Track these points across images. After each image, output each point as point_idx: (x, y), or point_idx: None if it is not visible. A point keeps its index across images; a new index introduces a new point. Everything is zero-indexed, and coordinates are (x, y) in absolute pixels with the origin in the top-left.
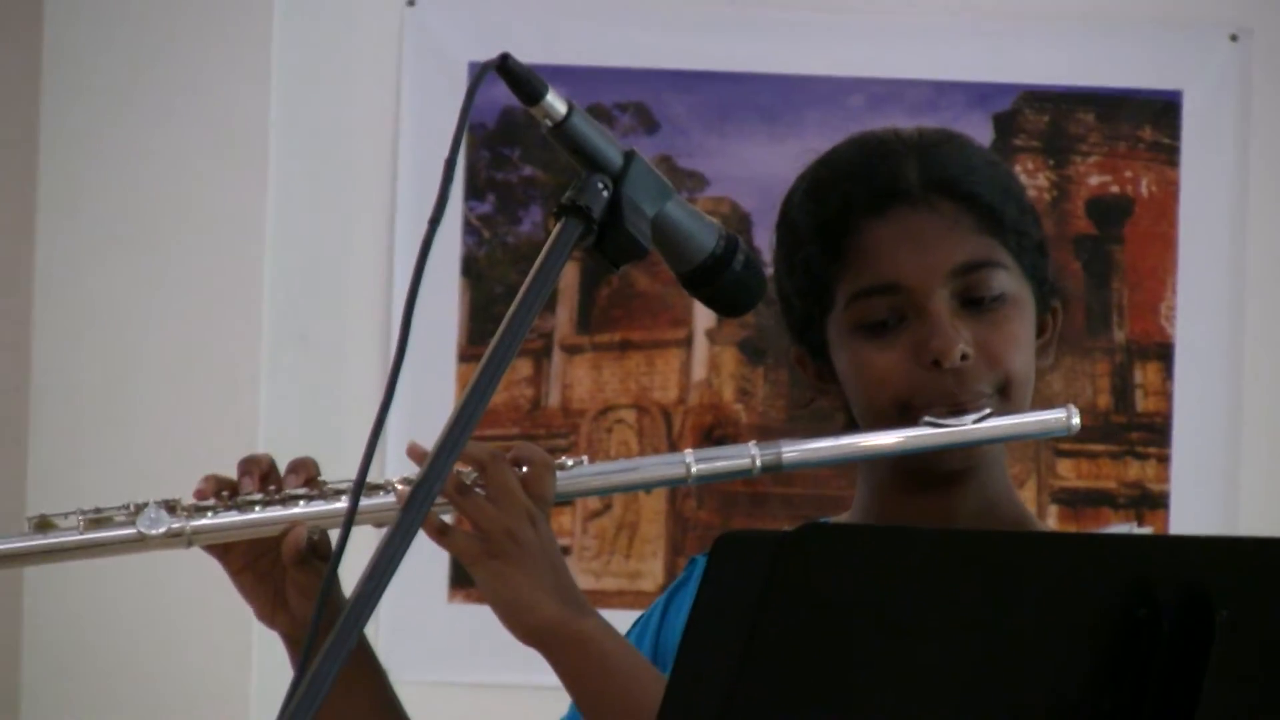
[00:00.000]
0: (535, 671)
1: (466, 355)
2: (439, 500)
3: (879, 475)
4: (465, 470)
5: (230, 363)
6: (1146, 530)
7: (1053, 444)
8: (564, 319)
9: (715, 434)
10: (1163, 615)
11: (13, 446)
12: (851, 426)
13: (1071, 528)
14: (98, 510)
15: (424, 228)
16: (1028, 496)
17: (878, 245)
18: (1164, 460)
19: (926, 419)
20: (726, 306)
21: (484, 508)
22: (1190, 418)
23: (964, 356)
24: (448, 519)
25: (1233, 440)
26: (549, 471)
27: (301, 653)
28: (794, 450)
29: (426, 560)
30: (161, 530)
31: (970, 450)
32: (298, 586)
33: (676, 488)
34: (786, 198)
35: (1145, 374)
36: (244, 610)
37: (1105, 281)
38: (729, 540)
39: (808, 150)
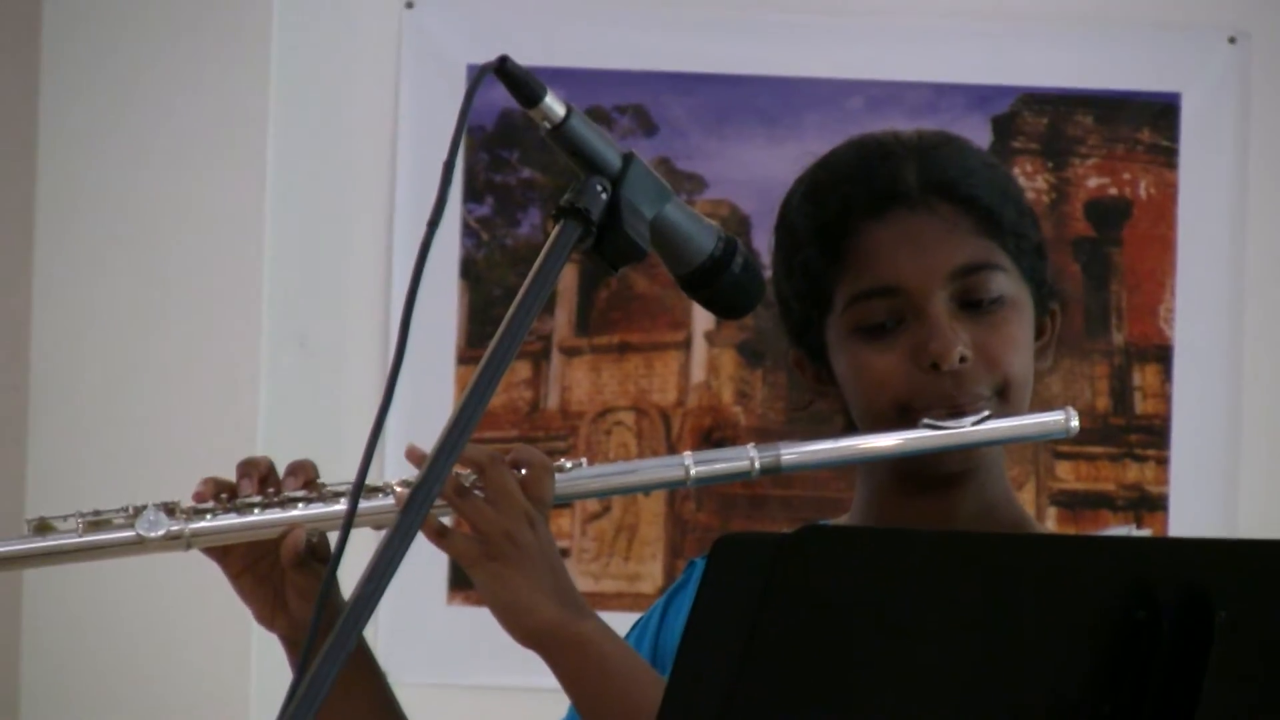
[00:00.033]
0: (534, 674)
1: (465, 357)
2: (438, 502)
3: (878, 477)
4: (464, 472)
5: (229, 365)
6: (1145, 532)
7: (1052, 446)
8: (563, 321)
9: (714, 436)
10: (1162, 617)
11: (12, 448)
12: (850, 429)
13: (1070, 530)
14: (96, 513)
15: (423, 230)
16: (1027, 499)
17: (876, 248)
18: (1163, 462)
19: (925, 421)
20: (725, 309)
21: (483, 510)
22: (1189, 420)
23: (963, 359)
24: (447, 521)
25: (1232, 442)
26: (548, 474)
27: (300, 655)
28: (793, 452)
29: (425, 562)
30: (160, 533)
31: (969, 452)
32: (297, 589)
33: (675, 490)
34: (785, 200)
35: (1144, 376)
36: (243, 613)
37: (1104, 284)
38: (728, 542)
39: (806, 152)
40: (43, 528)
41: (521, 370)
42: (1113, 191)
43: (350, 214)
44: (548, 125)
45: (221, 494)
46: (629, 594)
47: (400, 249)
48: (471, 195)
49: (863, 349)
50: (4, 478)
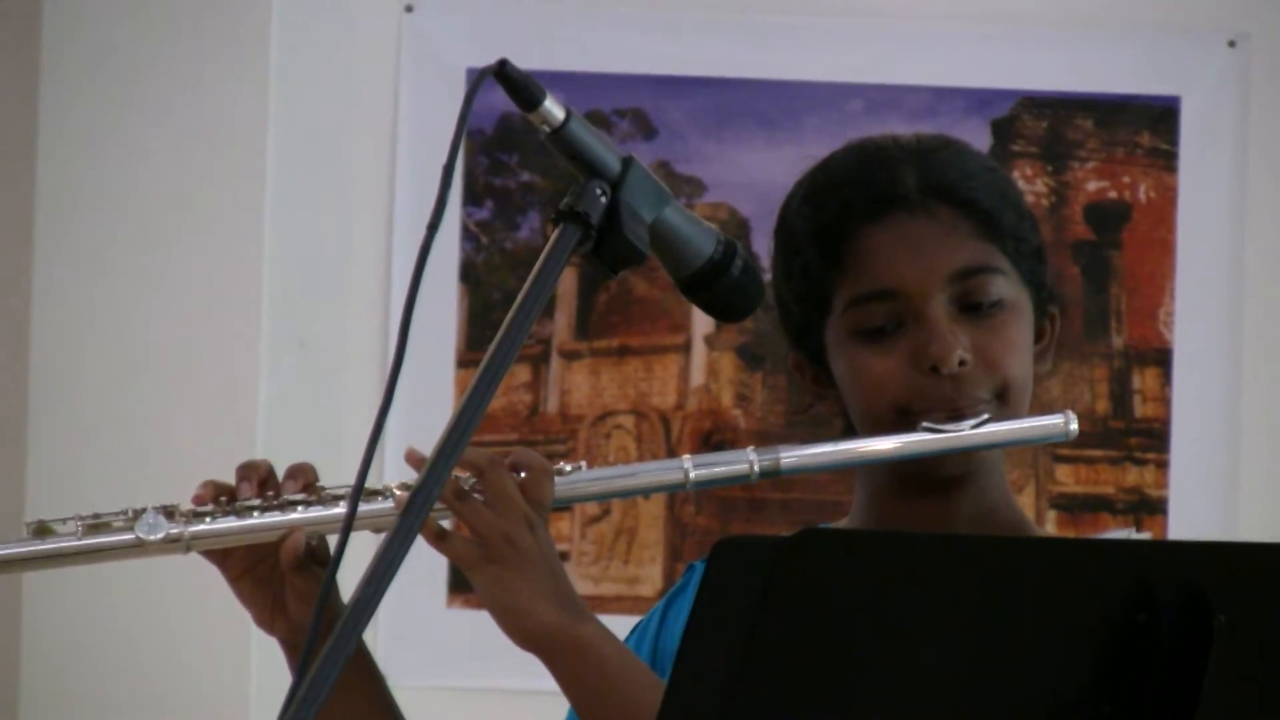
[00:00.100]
0: (533, 677)
1: (465, 361)
2: (437, 505)
3: (877, 481)
4: (464, 475)
5: (229, 367)
6: (1145, 535)
7: (1051, 449)
8: (562, 325)
9: (713, 439)
10: (1162, 619)
11: (11, 449)
12: (850, 432)
13: (1070, 533)
14: (96, 516)
15: (422, 233)
16: (1026, 502)
17: (876, 251)
18: (1162, 465)
19: (925, 424)
20: (725, 312)
21: (482, 513)
22: (1189, 423)
23: (962, 362)
24: (446, 524)
25: (1231, 445)
26: (547, 477)
27: (300, 658)
28: (792, 456)
29: (425, 565)
30: (160, 536)
31: (968, 456)
32: (296, 592)
33: (675, 493)
34: (785, 203)
35: (1144, 379)
36: (242, 616)
37: (1103, 287)
38: (727, 545)
39: (806, 156)
40: (42, 530)
41: (521, 374)
42: (1112, 195)
43: (350, 217)
44: (547, 129)
45: (221, 497)
46: (628, 597)
47: (400, 252)
48: (471, 199)
49: (862, 352)
50: (4, 478)
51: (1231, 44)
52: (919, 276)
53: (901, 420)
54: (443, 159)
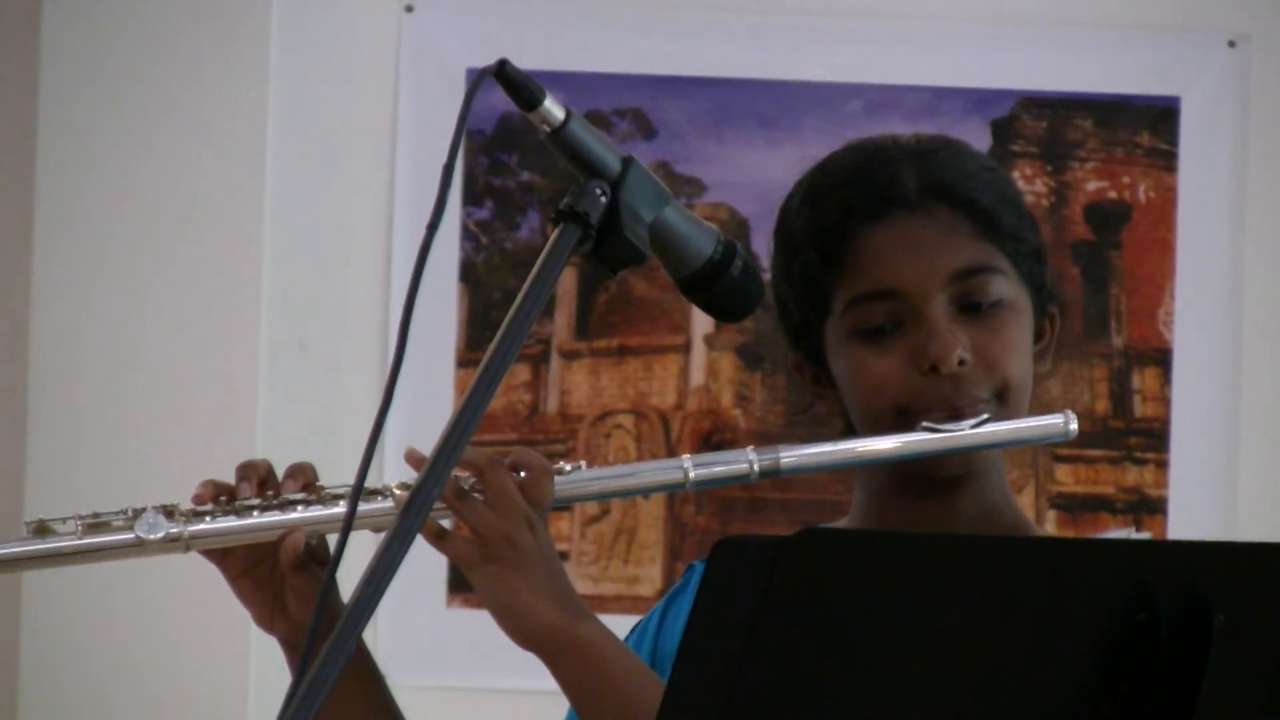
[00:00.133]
0: (533, 676)
1: (464, 361)
2: (437, 505)
3: (877, 481)
4: (463, 475)
5: (228, 367)
6: (1145, 535)
7: (1051, 449)
8: (562, 324)
9: (713, 439)
10: (1161, 620)
11: (11, 449)
12: (849, 432)
13: (1070, 533)
14: (95, 515)
15: (422, 233)
16: (1026, 502)
17: (875, 251)
18: (1162, 465)
19: (924, 424)
20: (724, 312)
21: (482, 513)
22: (1188, 423)
23: (961, 362)
24: (446, 524)
25: (1231, 445)
26: (547, 477)
27: (300, 657)
28: (792, 455)
29: (425, 565)
30: (159, 535)
31: (968, 456)
32: (296, 592)
33: (675, 493)
34: (784, 204)
35: (1143, 379)
36: (242, 615)
37: (1103, 287)
38: (727, 545)
39: (805, 156)
40: (42, 530)
41: (521, 373)
42: (1112, 195)
43: (350, 217)
44: (547, 129)
45: (220, 496)
46: (628, 597)
47: (399, 252)
48: (471, 199)
49: (861, 352)
50: (3, 478)
51: (1231, 44)
52: (918, 276)
53: (901, 420)
54: (443, 159)
